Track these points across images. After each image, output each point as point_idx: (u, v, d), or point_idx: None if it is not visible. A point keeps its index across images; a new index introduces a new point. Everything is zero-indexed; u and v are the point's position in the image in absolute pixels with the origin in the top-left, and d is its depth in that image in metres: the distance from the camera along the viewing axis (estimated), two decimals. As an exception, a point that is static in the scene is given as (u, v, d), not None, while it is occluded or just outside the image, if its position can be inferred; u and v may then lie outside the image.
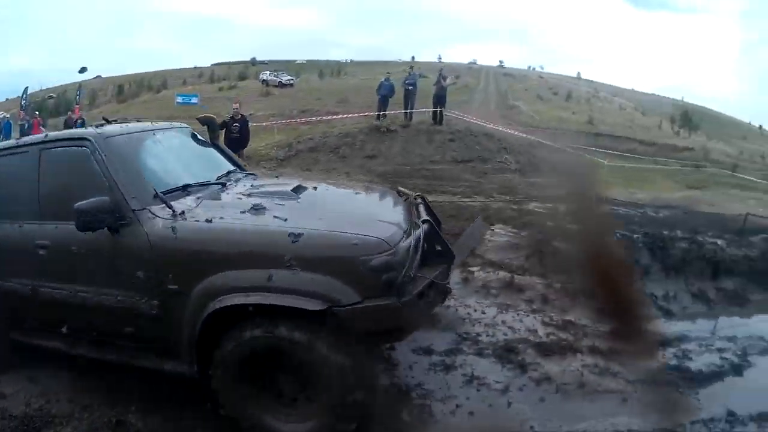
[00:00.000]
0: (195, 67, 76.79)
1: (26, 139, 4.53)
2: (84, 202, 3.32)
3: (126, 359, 3.68)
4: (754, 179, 24.41)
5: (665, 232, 8.05)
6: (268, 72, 54.08)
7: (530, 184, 12.08)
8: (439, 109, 20.66)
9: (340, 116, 25.21)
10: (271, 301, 3.00)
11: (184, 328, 3.27)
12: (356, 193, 4.48)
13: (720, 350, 5.30)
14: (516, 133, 21.88)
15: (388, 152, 17.23)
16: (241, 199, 3.70)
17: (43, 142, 4.06)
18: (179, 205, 3.53)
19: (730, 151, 37.28)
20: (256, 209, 3.38)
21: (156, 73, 64.32)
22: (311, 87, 47.51)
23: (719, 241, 7.98)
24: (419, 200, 4.26)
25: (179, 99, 41.43)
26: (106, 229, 3.40)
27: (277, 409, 3.24)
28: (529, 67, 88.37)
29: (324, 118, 25.57)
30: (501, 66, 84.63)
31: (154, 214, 3.44)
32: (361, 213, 3.70)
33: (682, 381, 4.57)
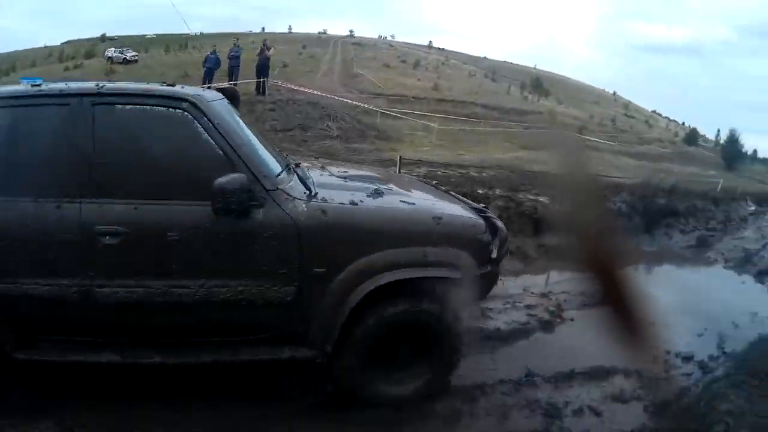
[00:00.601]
0: (45, 46, 71.30)
1: (60, 86, 3.53)
2: (224, 179, 3.06)
3: (224, 357, 3.41)
4: (600, 140, 26.47)
5: (480, 191, 8.22)
6: (113, 48, 51.22)
7: (351, 150, 12.32)
8: (262, 79, 21.59)
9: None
10: (432, 273, 3.51)
11: (323, 312, 3.36)
12: (409, 180, 5.29)
13: (529, 307, 5.43)
14: (348, 100, 22.65)
15: (207, 124, 17.14)
16: (346, 182, 3.99)
17: (99, 94, 3.31)
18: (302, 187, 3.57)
19: (581, 115, 40.18)
20: (378, 193, 3.69)
21: (8, 55, 59.07)
22: (156, 62, 45.92)
23: (541, 198, 8.30)
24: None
25: (24, 82, 38.42)
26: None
27: (390, 377, 3.64)
28: (380, 36, 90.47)
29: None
30: (351, 35, 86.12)
31: (289, 194, 3.35)
32: (447, 199, 4.33)
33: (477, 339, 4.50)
